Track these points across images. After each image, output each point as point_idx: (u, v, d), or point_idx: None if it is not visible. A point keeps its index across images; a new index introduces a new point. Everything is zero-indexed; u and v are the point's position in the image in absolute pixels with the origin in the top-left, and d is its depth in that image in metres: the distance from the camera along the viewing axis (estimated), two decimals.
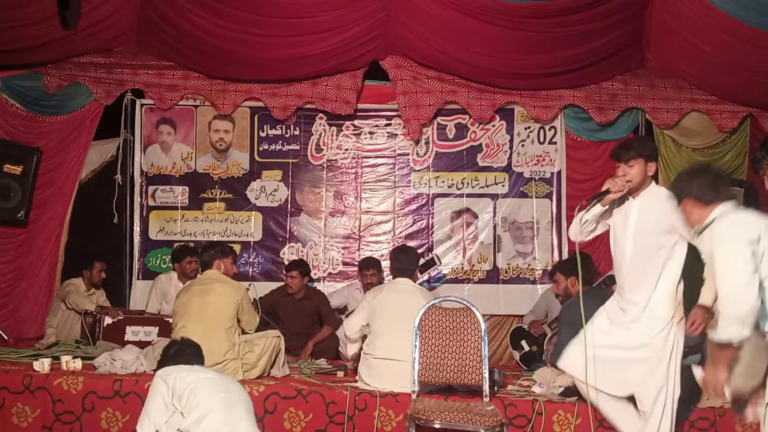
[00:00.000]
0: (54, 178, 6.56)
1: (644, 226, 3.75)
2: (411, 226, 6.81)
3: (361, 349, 4.81)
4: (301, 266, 6.13)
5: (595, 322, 3.90)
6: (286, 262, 6.61)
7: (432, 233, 6.78)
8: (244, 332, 4.88)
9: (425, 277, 6.45)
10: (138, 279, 6.78)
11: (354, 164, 6.86)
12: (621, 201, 3.88)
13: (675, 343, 3.75)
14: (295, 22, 5.89)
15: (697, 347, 4.65)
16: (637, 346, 3.78)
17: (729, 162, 6.47)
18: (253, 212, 6.83)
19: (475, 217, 6.74)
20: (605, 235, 4.05)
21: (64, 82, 6.48)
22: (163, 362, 3.69)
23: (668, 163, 6.49)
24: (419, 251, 6.25)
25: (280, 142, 6.84)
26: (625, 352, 3.79)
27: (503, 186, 6.73)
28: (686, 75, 6.28)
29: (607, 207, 3.85)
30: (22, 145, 6.35)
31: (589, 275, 5.04)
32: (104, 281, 6.31)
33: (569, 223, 4.01)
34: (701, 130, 6.44)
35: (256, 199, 6.84)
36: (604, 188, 3.79)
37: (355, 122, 6.81)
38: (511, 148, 6.72)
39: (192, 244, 6.43)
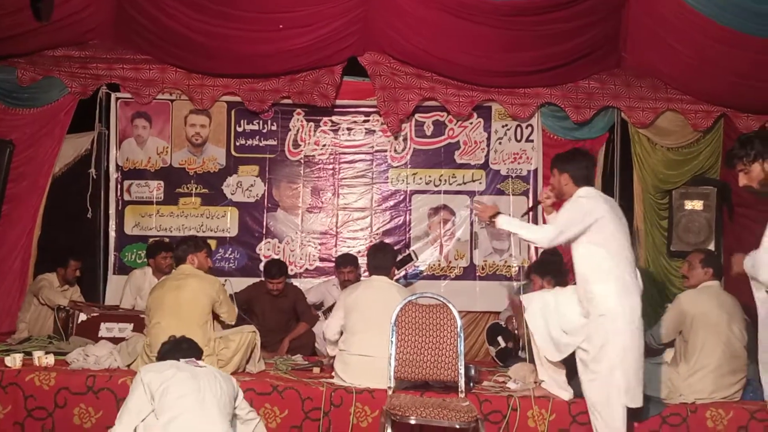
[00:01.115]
0: (27, 171, 6.47)
1: None
2: (388, 222, 6.80)
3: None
4: (284, 271, 6.10)
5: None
6: (263, 258, 6.59)
7: (409, 230, 6.77)
8: (223, 326, 4.86)
9: (402, 273, 6.46)
10: (114, 274, 6.70)
11: (331, 160, 6.84)
12: None
13: (603, 340, 3.92)
14: (273, 17, 5.87)
15: (669, 345, 4.73)
16: (572, 332, 4.09)
17: (703, 161, 6.53)
18: (230, 208, 6.79)
19: (453, 213, 6.75)
20: None
21: (39, 75, 6.39)
22: (160, 356, 3.71)
23: (643, 162, 6.54)
24: (396, 248, 6.25)
25: (257, 137, 6.80)
26: (566, 336, 4.12)
27: (480, 183, 6.74)
28: (662, 75, 6.33)
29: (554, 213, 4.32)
30: None
31: (561, 277, 5.13)
32: (78, 277, 6.24)
33: (545, 221, 4.27)
34: (676, 129, 6.50)
35: (232, 194, 6.79)
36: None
37: (333, 118, 6.79)
38: (488, 145, 6.73)
39: (167, 240, 6.39)
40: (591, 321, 3.97)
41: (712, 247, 6.26)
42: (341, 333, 4.76)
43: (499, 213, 4.27)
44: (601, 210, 4.00)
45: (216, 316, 4.80)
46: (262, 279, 6.17)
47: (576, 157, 4.24)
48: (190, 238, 5.10)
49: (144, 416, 3.34)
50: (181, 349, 3.67)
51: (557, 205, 4.29)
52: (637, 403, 3.93)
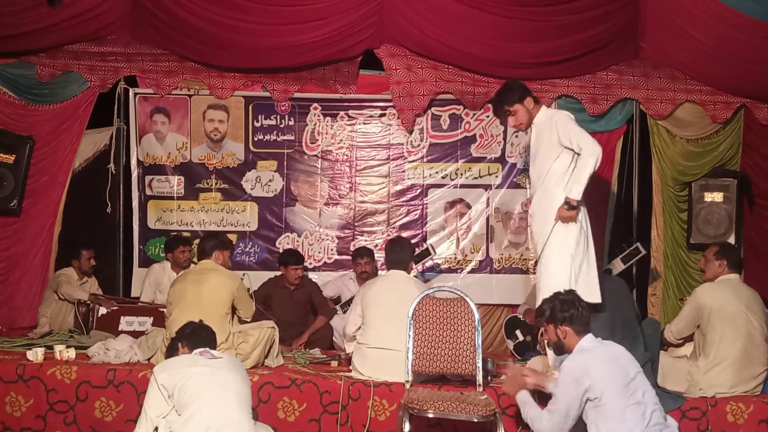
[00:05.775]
0: (47, 166, 6.53)
1: (541, 141, 4.44)
2: (405, 216, 6.80)
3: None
4: (302, 258, 6.18)
5: None
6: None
7: (426, 223, 6.77)
8: (240, 321, 4.89)
9: (420, 267, 6.45)
10: (138, 267, 6.77)
11: (348, 154, 6.85)
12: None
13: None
14: (290, 9, 5.88)
15: (689, 339, 4.69)
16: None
17: (723, 152, 6.46)
18: (249, 202, 6.82)
19: (469, 207, 6.73)
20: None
21: (58, 71, 6.44)
22: (178, 339, 3.77)
23: (662, 154, 6.48)
24: (413, 242, 6.25)
25: (275, 132, 6.82)
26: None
27: (497, 177, 6.72)
28: (681, 65, 6.26)
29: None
30: (14, 134, 6.31)
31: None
32: (96, 269, 6.29)
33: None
34: (695, 120, 6.43)
35: (251, 189, 6.81)
36: None
37: (350, 112, 6.79)
38: (504, 138, 6.70)
39: (188, 234, 6.45)
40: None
41: (732, 239, 6.20)
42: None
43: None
44: None
45: (233, 311, 4.83)
46: (279, 274, 6.19)
47: (518, 84, 4.63)
48: (218, 236, 5.24)
49: (164, 414, 3.39)
50: (200, 335, 3.71)
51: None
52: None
